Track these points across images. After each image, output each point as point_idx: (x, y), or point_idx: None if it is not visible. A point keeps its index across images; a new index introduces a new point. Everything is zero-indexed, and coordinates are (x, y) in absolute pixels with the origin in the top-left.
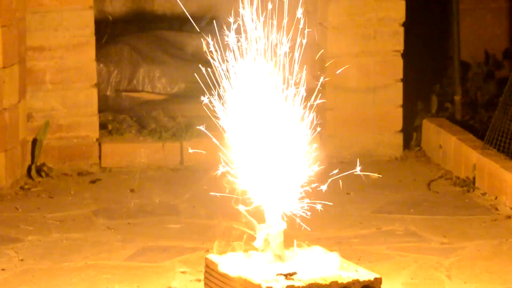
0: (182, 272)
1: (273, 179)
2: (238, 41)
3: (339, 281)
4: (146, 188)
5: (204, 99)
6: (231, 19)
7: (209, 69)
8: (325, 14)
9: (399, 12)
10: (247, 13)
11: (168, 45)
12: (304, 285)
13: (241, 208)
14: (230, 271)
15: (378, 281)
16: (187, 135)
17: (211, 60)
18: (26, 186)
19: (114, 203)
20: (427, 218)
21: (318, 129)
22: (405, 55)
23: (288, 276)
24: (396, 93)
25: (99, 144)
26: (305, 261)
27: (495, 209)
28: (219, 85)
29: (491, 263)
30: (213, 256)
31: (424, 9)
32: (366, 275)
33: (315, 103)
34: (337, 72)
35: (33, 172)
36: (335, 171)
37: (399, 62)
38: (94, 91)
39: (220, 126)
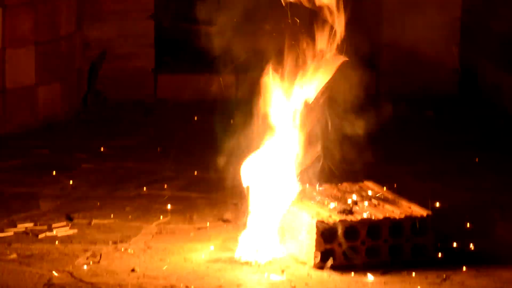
0: (234, 204)
1: None
2: None
3: (392, 217)
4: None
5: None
6: None
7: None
8: None
9: None
10: None
11: None
12: (356, 220)
13: None
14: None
15: (430, 217)
16: (242, 68)
17: None
18: (81, 115)
19: (168, 133)
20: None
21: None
22: None
23: (344, 212)
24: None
25: (155, 75)
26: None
27: None
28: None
29: None
30: None
31: None
32: (418, 211)
33: None
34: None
35: (89, 101)
36: None
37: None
38: (151, 22)
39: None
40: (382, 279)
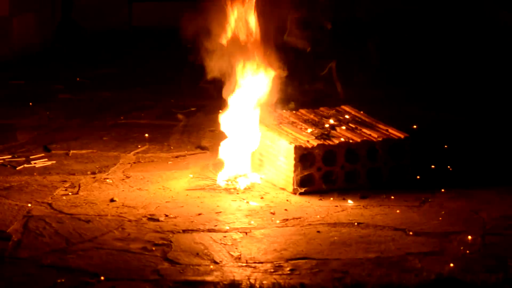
0: (210, 131)
1: None
2: None
3: (370, 140)
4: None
5: None
6: None
7: None
8: None
9: None
10: None
11: None
12: (334, 144)
13: None
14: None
15: (407, 139)
16: None
17: None
18: (56, 45)
19: (146, 64)
20: None
21: None
22: None
23: (322, 136)
24: None
25: (130, 3)
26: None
27: None
28: None
29: None
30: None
31: None
32: (395, 134)
33: None
34: None
35: (64, 31)
36: None
37: None
38: None
39: None
40: (361, 203)
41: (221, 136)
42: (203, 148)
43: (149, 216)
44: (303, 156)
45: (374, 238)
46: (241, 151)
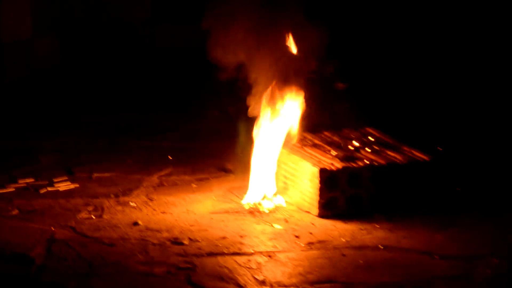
0: (235, 154)
1: None
2: None
3: (396, 162)
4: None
5: None
6: None
7: None
8: None
9: None
10: None
11: None
12: (359, 166)
13: None
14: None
15: (432, 162)
16: None
17: None
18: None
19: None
20: None
21: None
22: None
23: (347, 158)
24: None
25: (154, 24)
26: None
27: None
28: None
29: None
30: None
31: None
32: (420, 156)
33: None
34: None
35: (86, 53)
36: None
37: None
38: None
39: None
40: (387, 225)
41: (245, 158)
42: (227, 171)
43: (173, 240)
44: (328, 179)
45: (400, 262)
46: (265, 174)
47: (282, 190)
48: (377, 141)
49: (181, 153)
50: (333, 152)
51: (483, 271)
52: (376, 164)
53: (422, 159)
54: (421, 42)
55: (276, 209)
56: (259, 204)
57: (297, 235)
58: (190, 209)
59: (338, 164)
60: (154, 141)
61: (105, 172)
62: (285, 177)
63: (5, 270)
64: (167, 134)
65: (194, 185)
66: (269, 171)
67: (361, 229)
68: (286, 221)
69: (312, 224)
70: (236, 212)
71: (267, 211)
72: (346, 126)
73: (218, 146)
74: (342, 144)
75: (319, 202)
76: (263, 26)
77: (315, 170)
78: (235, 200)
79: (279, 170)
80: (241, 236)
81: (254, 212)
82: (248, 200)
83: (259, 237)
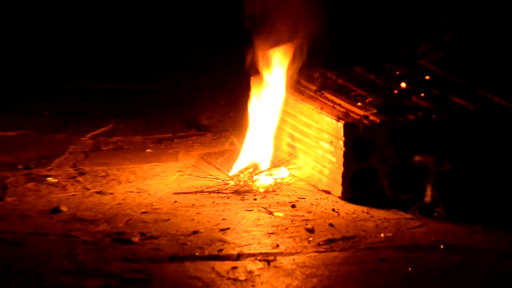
0: (214, 102)
1: None
2: None
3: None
4: None
5: None
6: None
7: None
8: None
9: None
10: None
11: None
12: (409, 119)
13: None
14: None
15: None
16: None
17: None
18: None
19: None
20: None
21: None
22: None
23: (389, 107)
24: None
25: None
26: None
27: None
28: None
29: None
30: None
31: None
32: (506, 104)
33: None
34: None
35: None
36: None
37: None
38: None
39: None
40: (450, 213)
41: (229, 110)
42: (200, 128)
43: (115, 236)
44: (359, 140)
45: (473, 270)
46: (261, 133)
47: (287, 158)
48: (437, 81)
49: (132, 99)
50: (368, 98)
51: None
52: (434, 116)
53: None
54: None
55: (278, 187)
56: (251, 179)
57: (309, 227)
58: (142, 187)
59: (374, 116)
60: (90, 81)
61: (8, 130)
62: (292, 138)
63: None
64: (114, 73)
65: (149, 150)
66: (268, 128)
67: (410, 219)
68: (293, 206)
69: (334, 211)
70: (215, 192)
71: (262, 190)
72: (387, 58)
73: (191, 91)
74: (381, 86)
75: (345, 177)
76: None
77: (338, 126)
78: (213, 174)
79: (283, 128)
80: (222, 230)
81: (243, 192)
82: (234, 173)
83: (250, 231)
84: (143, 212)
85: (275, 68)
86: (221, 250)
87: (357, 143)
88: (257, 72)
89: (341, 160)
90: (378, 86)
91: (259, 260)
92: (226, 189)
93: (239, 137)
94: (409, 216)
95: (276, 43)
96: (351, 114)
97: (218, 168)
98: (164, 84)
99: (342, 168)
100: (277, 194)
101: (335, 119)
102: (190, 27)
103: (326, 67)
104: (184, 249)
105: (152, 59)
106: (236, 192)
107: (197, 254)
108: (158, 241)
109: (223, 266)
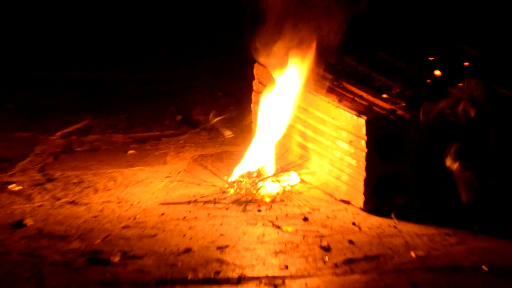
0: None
1: None
2: None
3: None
4: None
5: None
6: None
7: None
8: None
9: None
10: None
11: None
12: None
13: None
14: None
15: None
16: None
17: None
18: None
19: None
20: None
21: None
22: None
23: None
24: None
25: None
26: None
27: None
28: None
29: None
30: None
31: None
32: None
33: None
34: None
35: None
36: None
37: None
38: None
39: None
40: (496, 227)
41: (228, 103)
42: (194, 125)
43: (90, 255)
44: (385, 140)
45: None
46: (266, 131)
47: (298, 161)
48: (478, 68)
49: (112, 90)
50: (395, 89)
51: None
52: (476, 110)
53: None
54: None
55: (287, 196)
56: (255, 186)
57: (325, 245)
58: (123, 197)
59: (403, 111)
60: (62, 69)
61: None
62: (304, 137)
63: None
64: (91, 58)
65: (131, 151)
66: (275, 126)
67: (446, 234)
68: (305, 220)
69: (354, 224)
70: (211, 201)
71: (268, 200)
72: (418, 41)
73: (184, 80)
74: (410, 74)
75: (367, 184)
76: None
77: (360, 122)
78: (208, 180)
79: (293, 125)
80: (221, 248)
81: (244, 202)
82: (234, 179)
83: (254, 249)
84: (124, 227)
85: (284, 54)
86: (218, 272)
87: (382, 143)
88: (262, 58)
89: (363, 164)
90: (408, 74)
91: (265, 285)
92: (225, 198)
93: (219, 113)
94: (444, 230)
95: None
96: (375, 108)
97: (214, 173)
98: (152, 72)
99: (364, 173)
100: (286, 205)
101: (356, 114)
102: (185, 7)
103: (345, 52)
104: (174, 271)
105: (139, 42)
106: (237, 202)
107: (189, 277)
108: (143, 261)
109: None
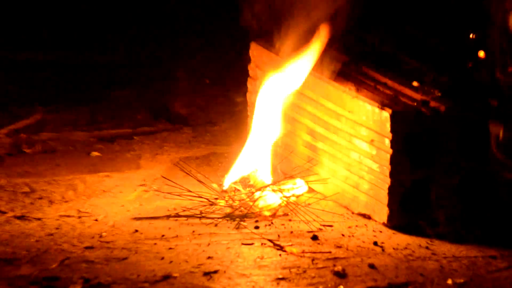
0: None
1: None
2: None
3: None
4: None
5: None
6: None
7: None
8: None
9: None
10: None
11: None
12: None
13: None
14: None
15: None
16: None
17: None
18: None
19: None
20: None
21: None
22: None
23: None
24: None
25: None
26: None
27: None
28: None
29: None
30: None
31: None
32: None
33: None
34: None
35: None
36: None
37: None
38: None
39: None
40: None
41: (217, 92)
42: (174, 120)
43: (44, 283)
44: (415, 138)
45: None
46: (266, 128)
47: (305, 165)
48: None
49: (71, 76)
50: (428, 75)
51: None
52: None
53: None
54: None
55: (291, 209)
56: (251, 197)
57: (339, 270)
58: (86, 210)
59: (438, 102)
60: (7, 49)
61: None
62: (313, 135)
63: None
64: (46, 36)
65: (95, 153)
66: (276, 122)
67: (491, 257)
68: (315, 238)
69: (376, 244)
70: (197, 216)
71: (268, 214)
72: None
73: (162, 64)
74: (446, 55)
75: (393, 193)
76: None
77: (383, 117)
78: (193, 189)
79: (299, 120)
80: (208, 274)
81: (238, 216)
82: (225, 188)
83: (250, 275)
84: (87, 247)
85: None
86: None
87: (411, 143)
88: (260, 36)
89: (387, 169)
90: (443, 56)
91: None
92: (213, 212)
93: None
94: (489, 252)
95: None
96: (403, 99)
97: (200, 181)
98: (123, 54)
99: (388, 181)
100: (290, 220)
101: (378, 107)
102: None
103: (364, 28)
104: None
105: (108, 17)
106: (229, 216)
107: None
108: None
109: None
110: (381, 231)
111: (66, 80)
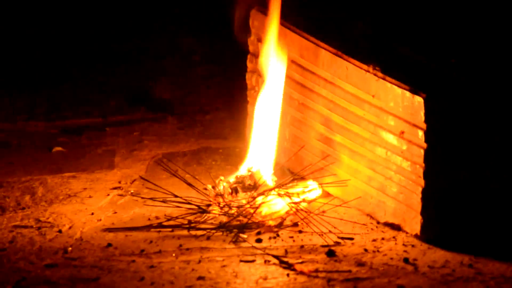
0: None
1: None
2: None
3: None
4: None
5: None
6: None
7: None
8: None
9: None
10: None
11: None
12: None
13: None
14: None
15: None
16: None
17: None
18: None
19: None
20: None
21: None
22: None
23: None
24: None
25: None
26: None
27: None
28: None
29: None
30: None
31: None
32: None
33: None
34: None
35: None
36: None
37: None
38: None
39: None
40: None
41: (209, 72)
42: (156, 107)
43: None
44: (457, 129)
45: None
46: (269, 118)
47: (318, 163)
48: None
49: (26, 53)
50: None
51: None
52: None
53: None
54: None
55: (302, 217)
56: (252, 203)
57: None
58: (46, 219)
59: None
60: None
61: None
62: (328, 125)
63: None
64: None
65: (58, 148)
66: (282, 109)
67: None
68: (331, 254)
69: (407, 261)
70: (184, 227)
71: (273, 223)
72: None
73: (141, 37)
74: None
75: (427, 199)
76: None
77: (416, 103)
78: (180, 193)
79: (310, 107)
80: None
81: (236, 226)
82: (219, 191)
83: None
84: (48, 265)
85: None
86: None
87: (451, 136)
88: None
89: (421, 168)
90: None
91: None
92: (205, 221)
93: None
94: None
95: None
96: (441, 81)
97: (189, 183)
98: (92, 26)
99: (422, 182)
100: (300, 231)
101: (410, 90)
102: None
103: None
104: None
105: None
106: (224, 227)
107: None
108: None
109: None
110: (413, 245)
111: (23, 58)
